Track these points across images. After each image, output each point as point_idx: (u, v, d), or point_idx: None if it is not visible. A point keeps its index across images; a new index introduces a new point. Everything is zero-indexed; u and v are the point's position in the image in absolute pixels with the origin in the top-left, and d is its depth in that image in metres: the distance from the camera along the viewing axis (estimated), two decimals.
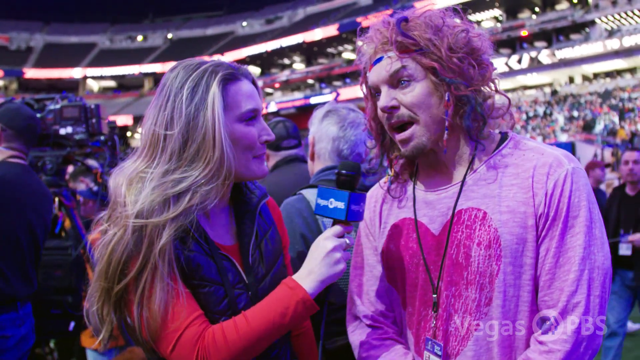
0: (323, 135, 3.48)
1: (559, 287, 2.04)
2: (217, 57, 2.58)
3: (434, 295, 2.22)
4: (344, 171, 2.21)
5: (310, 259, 2.18)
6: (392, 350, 2.36)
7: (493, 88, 2.20)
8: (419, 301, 2.29)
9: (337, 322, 3.01)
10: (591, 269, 2.03)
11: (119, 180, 2.13)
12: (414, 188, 2.38)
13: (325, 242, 2.17)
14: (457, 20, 2.22)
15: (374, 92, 2.29)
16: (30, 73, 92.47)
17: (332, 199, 2.19)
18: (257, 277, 2.30)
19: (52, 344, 6.85)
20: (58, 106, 5.22)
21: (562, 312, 2.02)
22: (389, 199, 2.45)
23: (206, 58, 2.32)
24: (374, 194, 2.54)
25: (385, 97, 2.20)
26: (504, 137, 2.29)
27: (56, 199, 5.25)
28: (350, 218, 2.18)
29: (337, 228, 2.21)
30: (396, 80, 2.18)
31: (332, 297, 2.94)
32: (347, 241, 2.21)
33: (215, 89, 2.13)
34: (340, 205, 2.17)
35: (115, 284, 2.05)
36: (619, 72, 58.48)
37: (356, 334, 2.46)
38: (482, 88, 2.18)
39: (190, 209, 2.08)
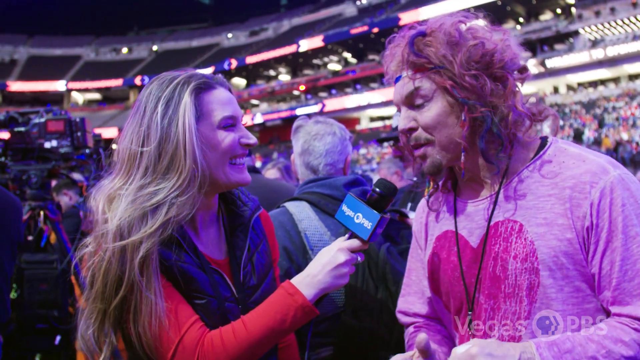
0: (295, 152, 3.51)
1: (638, 303, 1.91)
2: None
3: (470, 312, 2.19)
4: (377, 189, 2.16)
5: (317, 264, 2.17)
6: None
7: (512, 103, 2.07)
8: (455, 315, 2.28)
9: (321, 334, 3.01)
10: None
11: (98, 199, 2.13)
12: (455, 199, 2.32)
13: (338, 254, 2.15)
14: (481, 24, 2.13)
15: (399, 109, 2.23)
16: (15, 86, 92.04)
17: (360, 214, 2.15)
18: (248, 291, 2.29)
19: (37, 359, 6.78)
20: (43, 120, 5.18)
21: None
22: (432, 211, 2.41)
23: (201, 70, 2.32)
24: (422, 205, 2.51)
25: (404, 119, 2.15)
26: (543, 142, 2.20)
27: (41, 213, 5.22)
28: (372, 240, 2.15)
29: (355, 243, 2.17)
30: (412, 102, 2.13)
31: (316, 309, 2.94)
32: (359, 258, 2.20)
33: (187, 99, 2.13)
34: (368, 224, 2.13)
35: (112, 303, 2.04)
36: (602, 82, 58.89)
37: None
38: (501, 104, 2.06)
39: (168, 221, 2.06)
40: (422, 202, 2.51)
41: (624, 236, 1.93)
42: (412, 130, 2.15)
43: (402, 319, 2.55)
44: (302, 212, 3.21)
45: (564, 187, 2.02)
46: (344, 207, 2.19)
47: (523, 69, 2.14)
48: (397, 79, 2.17)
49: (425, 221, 2.46)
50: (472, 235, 2.21)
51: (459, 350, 1.90)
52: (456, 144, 2.10)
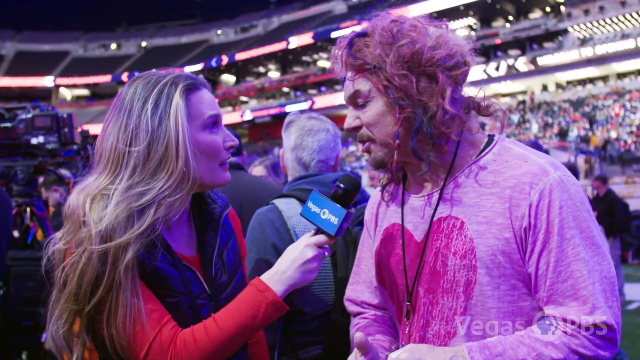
0: (286, 147, 3.49)
1: (570, 304, 1.94)
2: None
3: (407, 303, 2.23)
4: (342, 185, 2.21)
5: (286, 260, 2.20)
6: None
7: (440, 102, 2.03)
8: (397, 307, 2.31)
9: (311, 332, 2.99)
10: (601, 280, 1.94)
11: (81, 198, 2.09)
12: (403, 192, 2.35)
13: (306, 250, 2.19)
14: (420, 23, 2.13)
15: None
16: (2, 82, 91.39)
17: (326, 210, 2.19)
18: (219, 288, 2.30)
19: (24, 356, 6.76)
20: (29, 115, 5.17)
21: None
22: (384, 202, 2.44)
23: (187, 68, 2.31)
24: (376, 195, 2.54)
25: (348, 118, 2.21)
26: (489, 140, 2.21)
27: (28, 209, 5.19)
28: (338, 235, 2.19)
29: (322, 238, 2.22)
30: (355, 101, 2.17)
31: (306, 307, 2.92)
32: (326, 253, 2.23)
33: (178, 99, 2.13)
34: (334, 220, 2.17)
35: (86, 305, 2.02)
36: (591, 80, 59.16)
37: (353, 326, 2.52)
38: (432, 103, 2.04)
39: (156, 222, 2.06)
40: (375, 192, 2.55)
41: (559, 238, 1.96)
42: (356, 128, 2.19)
43: (350, 307, 2.58)
44: (291, 209, 3.20)
45: (505, 186, 2.05)
46: (310, 204, 2.23)
47: (455, 66, 2.09)
48: (344, 81, 2.21)
49: (376, 212, 2.49)
50: (416, 229, 2.24)
51: (391, 356, 1.94)
52: (394, 141, 2.12)
